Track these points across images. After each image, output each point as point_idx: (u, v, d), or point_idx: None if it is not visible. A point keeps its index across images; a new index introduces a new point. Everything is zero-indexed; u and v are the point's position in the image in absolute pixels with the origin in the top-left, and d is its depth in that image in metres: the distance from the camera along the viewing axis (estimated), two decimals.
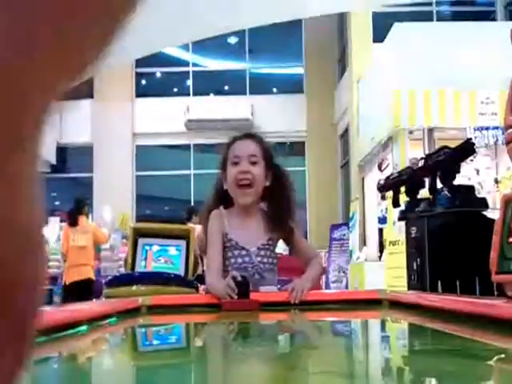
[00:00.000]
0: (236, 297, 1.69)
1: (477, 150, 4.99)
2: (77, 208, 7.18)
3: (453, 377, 0.80)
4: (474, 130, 7.18)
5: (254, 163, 1.94)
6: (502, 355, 1.03)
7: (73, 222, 7.10)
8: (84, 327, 1.27)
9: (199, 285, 2.86)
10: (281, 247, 2.44)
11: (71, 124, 13.82)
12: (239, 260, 1.94)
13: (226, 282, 1.73)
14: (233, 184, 1.94)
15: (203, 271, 6.03)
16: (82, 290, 6.75)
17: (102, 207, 9.60)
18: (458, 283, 2.16)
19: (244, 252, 1.96)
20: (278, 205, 1.99)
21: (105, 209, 9.36)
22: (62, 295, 7.41)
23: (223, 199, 2.02)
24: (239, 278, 1.71)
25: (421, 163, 2.74)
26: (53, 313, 1.30)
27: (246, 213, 2.00)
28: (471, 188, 2.58)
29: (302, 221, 11.21)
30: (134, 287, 1.93)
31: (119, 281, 2.24)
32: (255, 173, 1.93)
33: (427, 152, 6.29)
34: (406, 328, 1.53)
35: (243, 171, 1.92)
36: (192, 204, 13.09)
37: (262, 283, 1.90)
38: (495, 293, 1.79)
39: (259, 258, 1.96)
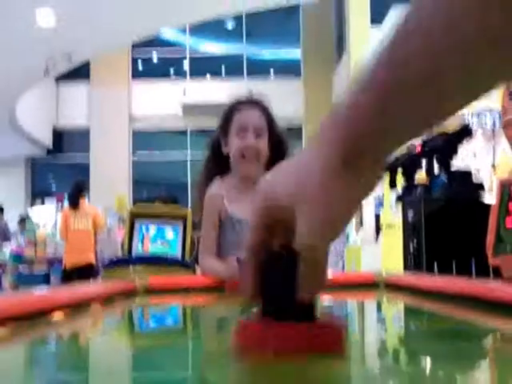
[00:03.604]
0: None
1: (474, 134, 4.98)
2: (77, 191, 7.10)
3: (448, 358, 0.80)
4: (472, 114, 7.17)
5: (259, 135, 1.92)
6: (498, 336, 1.04)
7: (74, 204, 7.02)
8: (80, 308, 1.27)
9: (196, 266, 2.86)
10: None
11: (68, 107, 13.76)
12: (234, 237, 1.90)
13: (230, 263, 1.71)
14: (236, 154, 1.92)
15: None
16: (81, 275, 6.70)
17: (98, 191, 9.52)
18: (454, 265, 2.17)
19: (239, 227, 1.89)
20: None
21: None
22: (62, 279, 7.38)
23: (220, 164, 1.98)
24: None
25: (418, 148, 2.74)
26: (49, 294, 1.30)
27: (245, 183, 1.93)
28: (467, 173, 2.58)
29: None
30: (131, 269, 1.94)
31: (117, 264, 2.25)
32: (261, 146, 1.92)
33: (424, 137, 6.28)
34: (401, 310, 1.54)
35: (249, 146, 1.90)
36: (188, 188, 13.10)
37: None
38: (491, 274, 1.80)
39: None
